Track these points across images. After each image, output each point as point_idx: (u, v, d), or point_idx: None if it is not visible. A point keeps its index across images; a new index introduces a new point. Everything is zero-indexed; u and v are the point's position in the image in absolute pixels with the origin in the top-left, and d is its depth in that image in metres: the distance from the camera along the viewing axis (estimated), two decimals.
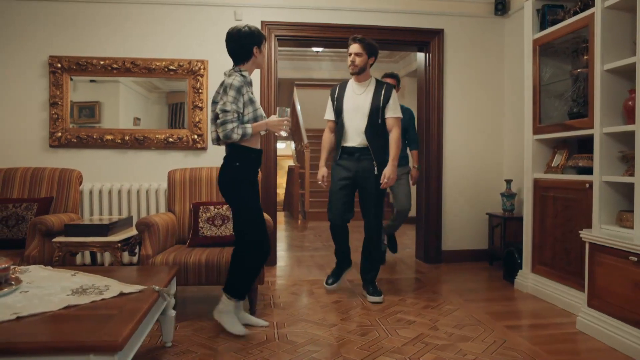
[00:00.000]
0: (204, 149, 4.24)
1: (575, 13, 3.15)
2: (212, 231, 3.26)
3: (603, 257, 2.65)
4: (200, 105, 4.22)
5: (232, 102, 2.50)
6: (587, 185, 2.98)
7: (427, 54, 4.62)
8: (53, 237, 3.04)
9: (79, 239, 2.99)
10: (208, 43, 4.23)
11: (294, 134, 10.30)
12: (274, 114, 3.71)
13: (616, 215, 2.82)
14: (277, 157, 4.63)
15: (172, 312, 2.44)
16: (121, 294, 1.97)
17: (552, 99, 3.53)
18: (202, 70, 4.21)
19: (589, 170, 3.01)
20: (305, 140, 9.11)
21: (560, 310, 3.15)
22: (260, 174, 3.34)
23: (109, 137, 4.15)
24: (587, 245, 2.78)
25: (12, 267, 2.06)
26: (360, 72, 3.31)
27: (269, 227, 2.99)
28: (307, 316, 3.00)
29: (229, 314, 2.67)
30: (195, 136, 4.22)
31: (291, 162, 10.80)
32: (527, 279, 3.59)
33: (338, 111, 3.39)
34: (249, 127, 2.55)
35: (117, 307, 1.81)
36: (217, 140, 2.66)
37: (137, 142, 4.18)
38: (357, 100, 3.33)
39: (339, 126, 3.40)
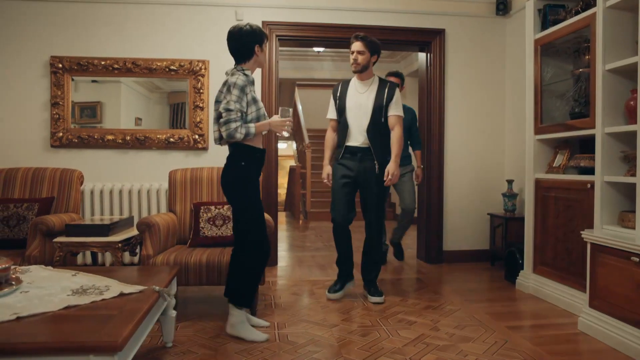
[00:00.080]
0: (204, 149, 4.24)
1: (577, 13, 3.14)
2: (213, 231, 3.26)
3: (605, 257, 2.64)
4: (201, 105, 4.22)
5: (235, 101, 2.48)
6: (589, 186, 2.97)
7: (428, 54, 4.62)
8: (54, 237, 3.04)
9: (79, 239, 2.99)
10: (209, 43, 4.23)
11: (296, 134, 10.30)
12: (276, 114, 3.72)
13: (618, 215, 2.81)
14: (279, 157, 4.63)
15: (173, 313, 2.44)
16: (121, 294, 1.97)
17: (553, 99, 3.52)
18: (203, 70, 4.21)
19: (590, 171, 3.01)
20: (307, 141, 9.12)
21: (561, 310, 3.14)
22: (261, 174, 3.33)
23: (110, 137, 4.15)
24: (588, 246, 2.77)
25: (12, 267, 2.06)
26: (362, 70, 3.29)
27: (269, 228, 2.99)
28: (308, 316, 3.00)
29: (243, 324, 2.61)
30: (196, 136, 4.23)
31: (292, 162, 10.80)
32: (529, 280, 3.58)
33: (341, 110, 3.36)
34: (252, 127, 2.53)
35: (117, 308, 1.80)
36: (220, 140, 2.63)
37: (138, 142, 4.18)
38: (360, 99, 3.31)
39: (341, 125, 3.37)
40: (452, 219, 4.62)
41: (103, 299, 1.90)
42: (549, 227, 3.41)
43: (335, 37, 4.40)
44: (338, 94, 3.40)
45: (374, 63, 3.34)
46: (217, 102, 2.60)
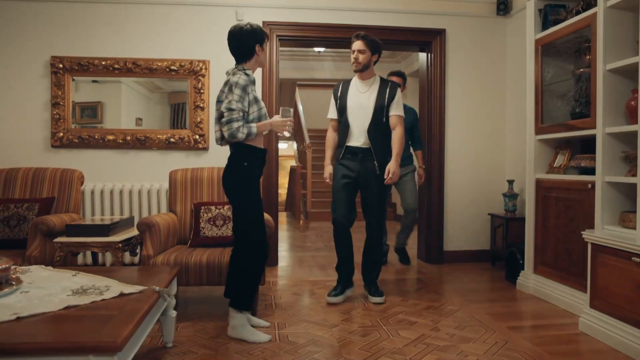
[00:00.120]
0: (205, 149, 4.24)
1: (578, 13, 3.14)
2: (214, 231, 3.26)
3: (605, 257, 2.64)
4: (201, 105, 4.22)
5: (237, 101, 2.47)
6: (590, 186, 2.96)
7: (429, 54, 4.62)
8: (54, 237, 3.04)
9: (80, 239, 2.99)
10: (209, 43, 4.23)
11: (296, 134, 10.30)
12: (277, 114, 3.71)
13: (619, 215, 2.81)
14: (279, 158, 4.63)
15: (173, 313, 2.44)
16: (121, 295, 1.97)
17: (554, 99, 3.52)
18: (203, 70, 4.21)
19: (591, 171, 3.00)
20: (307, 141, 9.12)
21: (562, 311, 3.14)
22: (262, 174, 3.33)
23: (110, 137, 4.16)
24: (589, 246, 2.77)
25: (13, 267, 2.06)
26: (363, 70, 3.28)
27: (269, 228, 2.99)
28: (309, 317, 3.00)
29: (244, 326, 2.60)
30: (197, 136, 4.23)
31: (293, 162, 10.80)
32: (529, 280, 3.57)
33: (341, 109, 3.34)
34: (254, 127, 2.53)
35: (117, 308, 1.80)
36: (221, 140, 2.62)
37: (138, 142, 4.18)
38: (361, 99, 3.29)
39: (341, 125, 3.35)
40: (452, 219, 4.62)
41: (103, 299, 1.90)
42: (549, 227, 3.40)
43: (335, 37, 4.40)
44: (339, 94, 3.38)
45: (375, 62, 3.33)
46: (219, 101, 2.59)
